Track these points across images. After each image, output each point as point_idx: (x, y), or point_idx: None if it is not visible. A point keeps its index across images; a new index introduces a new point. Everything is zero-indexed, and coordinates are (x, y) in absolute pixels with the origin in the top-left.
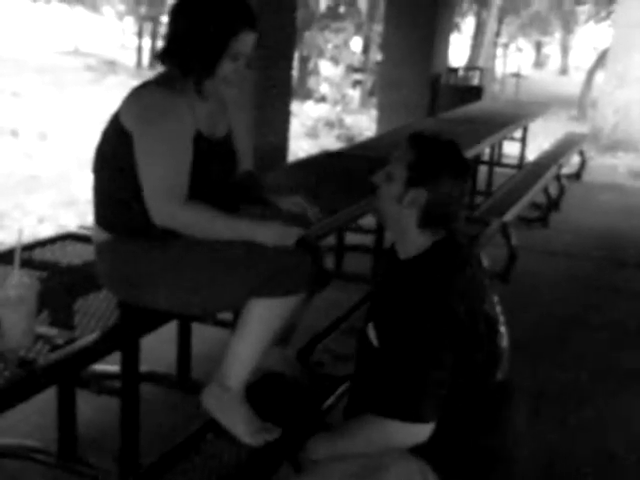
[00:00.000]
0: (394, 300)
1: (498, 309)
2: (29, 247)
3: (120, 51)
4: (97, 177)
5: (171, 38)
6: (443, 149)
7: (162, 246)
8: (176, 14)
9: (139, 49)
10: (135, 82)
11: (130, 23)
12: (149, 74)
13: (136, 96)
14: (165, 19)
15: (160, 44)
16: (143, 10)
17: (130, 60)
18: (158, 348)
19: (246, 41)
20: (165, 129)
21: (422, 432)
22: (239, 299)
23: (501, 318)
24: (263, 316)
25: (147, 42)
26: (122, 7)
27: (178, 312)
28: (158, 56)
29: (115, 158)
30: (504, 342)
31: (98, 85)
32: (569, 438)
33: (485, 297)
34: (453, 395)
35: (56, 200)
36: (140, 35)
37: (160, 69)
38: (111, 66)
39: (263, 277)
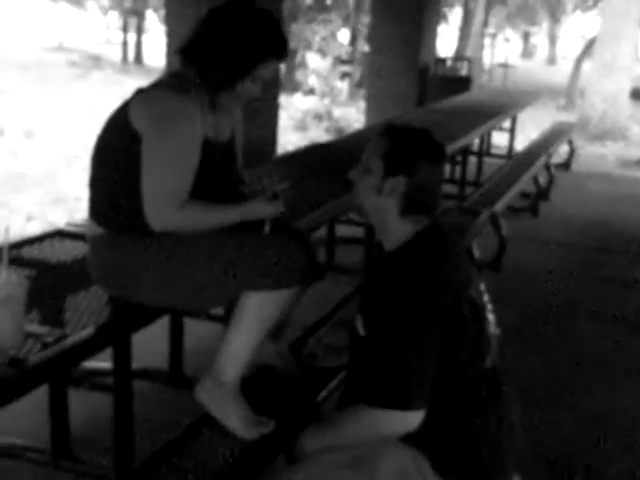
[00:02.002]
0: (380, 291)
1: (485, 297)
2: (17, 245)
3: (105, 46)
4: (95, 171)
5: (200, 40)
6: (416, 136)
7: (156, 242)
8: (214, 18)
9: (124, 44)
10: (120, 77)
11: (114, 18)
12: (134, 69)
13: (149, 97)
14: (150, 13)
15: (145, 39)
16: (128, 4)
17: (115, 55)
18: (150, 344)
19: (269, 69)
20: (176, 136)
21: (412, 420)
22: (233, 293)
23: (489, 306)
24: (257, 310)
25: (132, 37)
26: (106, 2)
27: (171, 307)
28: (181, 50)
29: (117, 154)
30: (492, 329)
31: (83, 81)
32: (561, 428)
33: (471, 284)
34: (442, 382)
35: (43, 198)
36: (125, 30)
37: (147, 65)
38: (96, 61)
39: (257, 271)
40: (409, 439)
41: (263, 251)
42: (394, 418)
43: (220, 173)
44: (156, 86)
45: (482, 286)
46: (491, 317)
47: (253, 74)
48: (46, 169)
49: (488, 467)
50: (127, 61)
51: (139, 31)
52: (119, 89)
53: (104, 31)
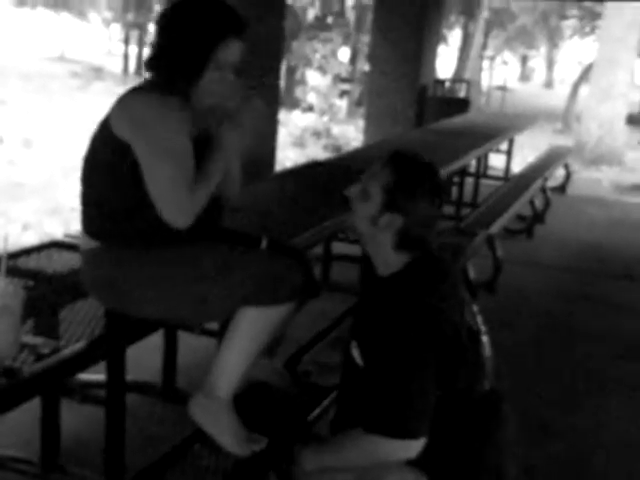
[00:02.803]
0: (375, 319)
1: (479, 319)
2: (14, 255)
3: (106, 58)
4: (86, 186)
5: (156, 46)
6: (421, 173)
7: (151, 255)
8: (161, 22)
9: (125, 56)
10: (121, 89)
11: (117, 30)
12: (136, 81)
13: (127, 105)
14: (152, 26)
15: (147, 51)
16: (130, 17)
17: (116, 67)
18: (143, 357)
19: (232, 50)
20: (164, 133)
21: (413, 447)
22: (228, 308)
23: (482, 328)
24: (252, 326)
25: (134, 49)
26: (109, 14)
27: (166, 321)
28: (145, 64)
29: (108, 168)
30: (487, 351)
31: (84, 92)
32: (556, 452)
33: (465, 308)
34: (442, 407)
35: (41, 208)
36: (127, 42)
37: (147, 75)
38: (97, 73)
39: (252, 286)
40: (412, 461)
41: (259, 267)
42: (396, 446)
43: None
44: (132, 92)
45: (475, 308)
46: (485, 340)
47: (214, 61)
48: (44, 179)
49: None
50: (128, 73)
51: (140, 43)
52: None
53: (106, 43)
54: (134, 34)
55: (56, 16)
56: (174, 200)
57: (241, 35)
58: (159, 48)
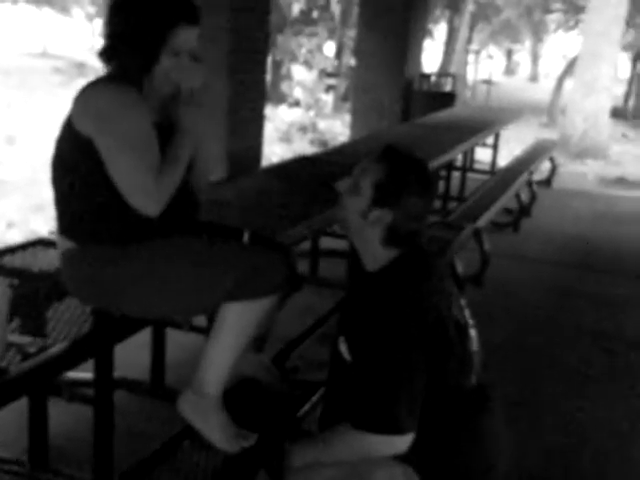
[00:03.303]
0: (363, 314)
1: (467, 313)
2: None
3: (89, 53)
4: (58, 187)
5: (108, 37)
6: (412, 169)
7: (129, 252)
8: (112, 11)
9: None
10: None
11: (100, 25)
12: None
13: (86, 100)
14: None
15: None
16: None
17: (99, 63)
18: (131, 354)
19: (185, 36)
20: (124, 123)
21: (402, 443)
22: (210, 303)
23: (470, 322)
24: (237, 320)
25: None
26: (92, 9)
27: (150, 317)
28: (98, 55)
29: (76, 167)
30: (474, 346)
31: (67, 88)
32: (545, 445)
33: (452, 302)
34: (430, 401)
35: (24, 205)
36: None
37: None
38: (80, 69)
39: (234, 280)
40: (400, 455)
41: (240, 260)
42: (385, 442)
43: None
44: (90, 86)
45: (463, 302)
46: (473, 333)
47: (168, 48)
48: (28, 176)
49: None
50: None
51: None
52: None
53: (89, 38)
54: None
55: (38, 11)
56: (141, 187)
57: (194, 21)
58: (111, 38)
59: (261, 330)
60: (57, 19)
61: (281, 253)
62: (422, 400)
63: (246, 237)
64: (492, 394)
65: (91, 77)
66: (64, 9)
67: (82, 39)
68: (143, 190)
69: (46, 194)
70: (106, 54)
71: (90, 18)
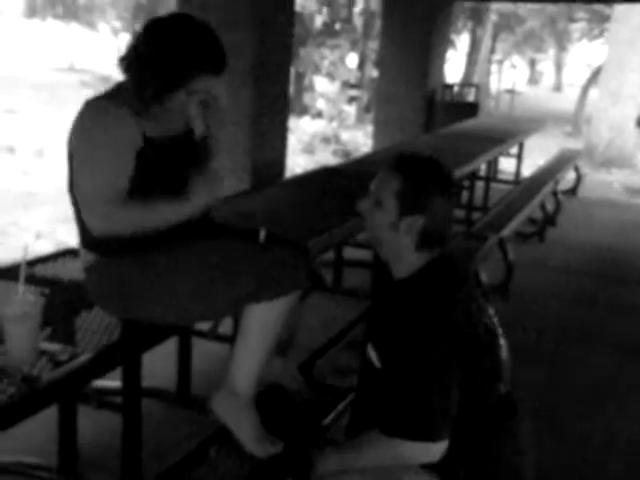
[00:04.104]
0: (393, 320)
1: (496, 321)
2: (30, 263)
3: (115, 67)
4: (74, 203)
5: (135, 50)
6: (427, 170)
7: (149, 260)
8: (149, 31)
9: None
10: None
11: (126, 39)
12: None
13: (78, 116)
14: None
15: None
16: (138, 26)
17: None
18: (157, 363)
19: (206, 83)
20: (98, 140)
21: (435, 450)
22: (232, 306)
23: (499, 330)
24: (262, 320)
25: None
26: (118, 23)
27: (179, 324)
28: (119, 61)
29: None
30: (504, 354)
31: None
32: (570, 453)
33: (482, 310)
34: (460, 409)
35: (53, 216)
36: None
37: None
38: (106, 82)
39: (254, 281)
40: (428, 464)
41: (260, 261)
42: (418, 449)
43: (171, 167)
44: (89, 101)
45: (492, 311)
46: (502, 342)
47: (187, 87)
48: (56, 188)
49: None
50: None
51: None
52: None
53: (115, 52)
54: None
55: (65, 27)
56: (89, 204)
57: (219, 73)
58: (137, 53)
59: (285, 333)
60: (84, 34)
61: (297, 251)
62: (456, 410)
63: (262, 236)
64: (521, 403)
65: None
66: (90, 24)
67: (108, 53)
68: (91, 211)
69: None
70: (127, 65)
71: (115, 32)
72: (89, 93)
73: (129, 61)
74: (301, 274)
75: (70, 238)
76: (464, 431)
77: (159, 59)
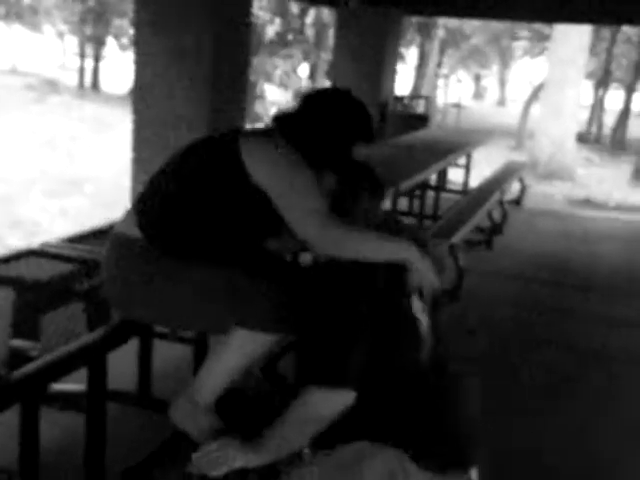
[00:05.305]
0: None
1: (420, 307)
2: None
3: (60, 71)
4: (174, 186)
5: (296, 118)
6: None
7: (182, 264)
8: (313, 102)
9: (81, 70)
10: (79, 102)
11: (71, 43)
12: (92, 95)
13: (268, 157)
14: (110, 39)
15: (102, 65)
16: (88, 30)
17: (71, 80)
18: (118, 367)
19: (354, 151)
20: (299, 178)
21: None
22: (225, 326)
23: (422, 317)
24: (244, 345)
25: (90, 63)
26: (64, 26)
27: (163, 323)
28: (275, 120)
29: (218, 187)
30: (424, 330)
31: (41, 104)
32: (517, 459)
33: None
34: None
35: None
36: (83, 55)
37: (104, 91)
38: (52, 86)
39: (257, 312)
40: (385, 440)
41: (265, 296)
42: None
43: None
44: (261, 135)
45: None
46: (424, 320)
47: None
48: (3, 193)
49: (455, 454)
50: (84, 87)
51: (97, 57)
52: (79, 114)
53: (59, 56)
54: (90, 47)
55: (7, 28)
56: (310, 219)
57: (368, 143)
58: (298, 122)
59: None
60: (27, 36)
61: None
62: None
63: (307, 258)
64: (467, 383)
65: (65, 95)
66: (35, 26)
67: (52, 57)
68: (308, 218)
69: (22, 211)
70: (286, 128)
71: (61, 35)
72: (34, 96)
73: (288, 126)
74: (299, 324)
75: (19, 243)
76: (402, 399)
77: (318, 134)
